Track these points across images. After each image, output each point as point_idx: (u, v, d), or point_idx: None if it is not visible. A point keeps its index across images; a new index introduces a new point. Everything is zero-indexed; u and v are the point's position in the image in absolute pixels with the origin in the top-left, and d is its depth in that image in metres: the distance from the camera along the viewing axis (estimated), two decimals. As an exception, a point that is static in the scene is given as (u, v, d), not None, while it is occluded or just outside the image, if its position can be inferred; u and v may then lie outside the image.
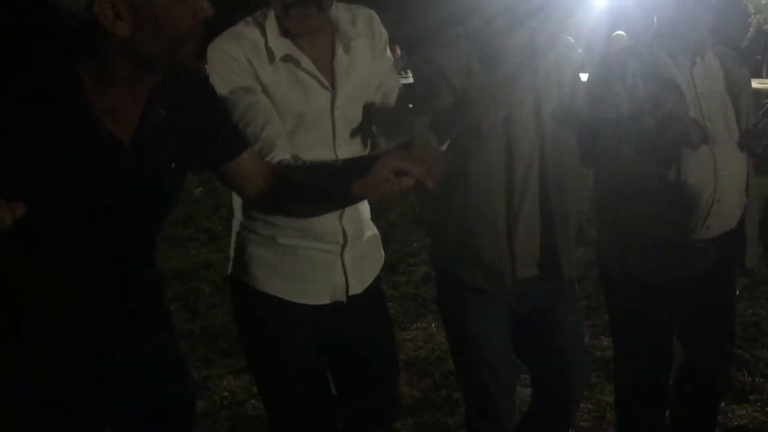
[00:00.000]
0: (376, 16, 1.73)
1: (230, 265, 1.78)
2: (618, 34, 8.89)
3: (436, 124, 1.51)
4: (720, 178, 1.87)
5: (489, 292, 1.86)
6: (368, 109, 1.73)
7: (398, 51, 9.56)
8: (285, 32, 1.58)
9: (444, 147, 1.49)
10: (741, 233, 1.97)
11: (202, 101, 1.38)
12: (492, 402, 1.94)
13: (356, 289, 1.76)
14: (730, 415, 2.67)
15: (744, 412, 2.70)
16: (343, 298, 1.74)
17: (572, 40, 1.92)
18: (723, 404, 2.60)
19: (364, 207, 1.79)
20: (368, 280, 1.80)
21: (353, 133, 1.71)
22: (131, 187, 1.27)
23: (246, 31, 1.59)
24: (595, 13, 9.17)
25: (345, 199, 1.51)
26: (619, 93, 1.84)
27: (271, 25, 1.58)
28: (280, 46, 1.58)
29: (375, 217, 1.87)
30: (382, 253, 1.89)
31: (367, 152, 1.76)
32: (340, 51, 1.64)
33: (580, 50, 1.91)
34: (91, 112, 1.19)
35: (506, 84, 1.71)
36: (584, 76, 1.96)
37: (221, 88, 1.50)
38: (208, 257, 4.71)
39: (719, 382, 2.18)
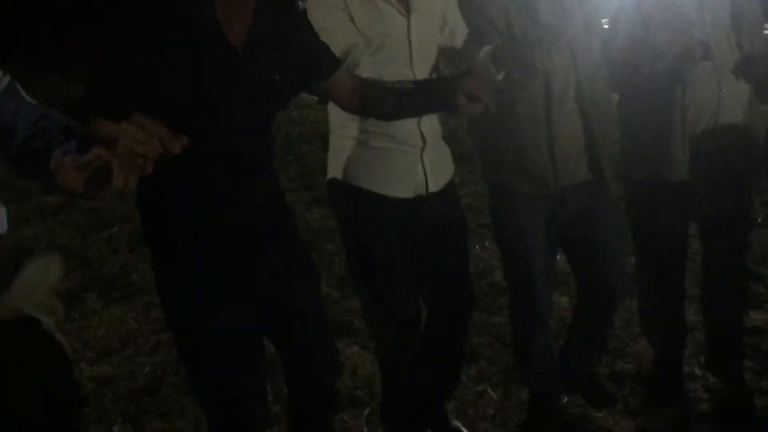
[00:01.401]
0: None
1: (329, 169, 2.12)
2: None
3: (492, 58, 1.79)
4: (723, 96, 2.15)
5: (535, 198, 2.16)
6: (437, 42, 2.07)
7: None
8: None
9: (500, 77, 1.76)
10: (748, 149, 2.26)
11: (300, 22, 1.67)
12: (532, 293, 2.28)
13: (434, 186, 2.10)
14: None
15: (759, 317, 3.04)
16: (424, 192, 2.08)
17: None
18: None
19: (436, 119, 2.13)
20: (443, 180, 2.14)
21: (427, 55, 2.05)
22: (244, 92, 1.48)
23: None
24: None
25: (425, 111, 1.89)
26: (636, 21, 2.13)
27: None
28: None
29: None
30: (452, 163, 2.24)
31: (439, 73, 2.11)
32: None
33: None
34: (214, 19, 1.42)
35: (543, 30, 2.02)
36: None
37: (315, 13, 1.83)
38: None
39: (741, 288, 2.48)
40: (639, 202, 2.37)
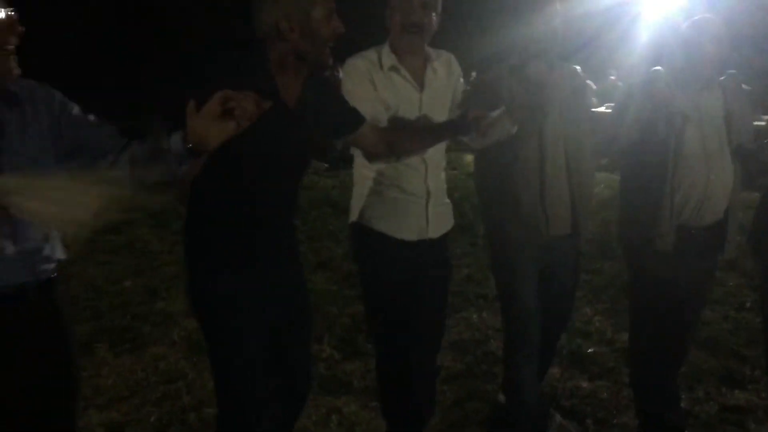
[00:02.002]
0: (453, 57, 2.57)
1: (351, 213, 2.51)
2: (656, 69, 9.60)
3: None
4: (710, 182, 2.49)
5: (528, 244, 2.59)
6: (443, 116, 2.48)
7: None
8: (394, 52, 2.40)
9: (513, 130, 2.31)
10: (725, 230, 2.58)
11: (335, 91, 2.24)
12: (526, 323, 2.64)
13: (433, 233, 2.48)
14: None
15: (743, 396, 3.17)
16: (425, 237, 2.46)
17: (581, 73, 2.68)
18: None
19: (442, 179, 2.55)
20: (441, 230, 2.53)
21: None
22: (291, 139, 2.01)
23: (368, 53, 2.43)
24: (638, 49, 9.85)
25: (440, 137, 2.38)
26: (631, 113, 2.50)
27: (386, 49, 2.41)
28: (389, 60, 2.39)
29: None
30: (452, 218, 2.62)
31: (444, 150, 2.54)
32: (429, 69, 2.44)
33: (589, 81, 2.69)
34: (274, 86, 1.95)
35: (538, 101, 2.40)
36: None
37: (349, 84, 2.37)
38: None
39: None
40: (632, 262, 2.75)
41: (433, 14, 2.36)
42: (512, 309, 2.69)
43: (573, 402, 3.13)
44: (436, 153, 2.47)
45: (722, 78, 2.57)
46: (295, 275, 2.23)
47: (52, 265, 1.91)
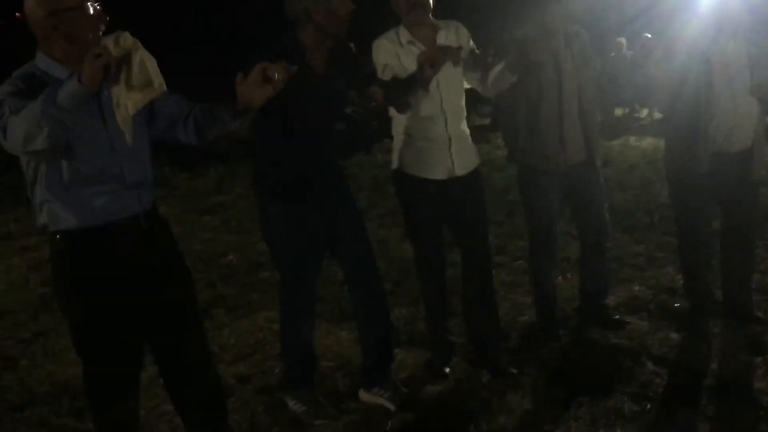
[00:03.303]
0: (460, 24, 3.09)
1: (392, 162, 3.13)
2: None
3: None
4: (737, 115, 3.13)
5: (550, 172, 3.26)
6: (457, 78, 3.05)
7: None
8: (407, 28, 2.97)
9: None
10: (752, 155, 3.21)
11: (355, 57, 2.84)
12: (548, 235, 3.40)
13: (460, 171, 3.06)
14: None
15: None
16: (453, 175, 3.05)
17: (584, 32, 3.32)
18: None
19: (463, 127, 3.09)
20: (467, 167, 3.10)
21: (451, 85, 2.99)
22: (321, 98, 2.66)
23: (388, 33, 3.02)
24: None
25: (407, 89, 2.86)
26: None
27: (401, 29, 3.00)
28: (405, 36, 2.97)
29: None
30: (477, 156, 3.20)
31: (462, 102, 3.11)
32: (439, 36, 2.97)
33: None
34: (306, 59, 2.62)
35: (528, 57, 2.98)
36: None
37: (379, 58, 2.95)
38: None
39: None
40: (674, 187, 3.44)
41: None
42: (531, 220, 3.45)
43: (663, 351, 3.32)
44: (455, 105, 3.01)
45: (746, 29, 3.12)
46: (343, 200, 2.88)
47: (151, 194, 2.25)
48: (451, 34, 3.00)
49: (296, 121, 2.64)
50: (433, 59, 2.56)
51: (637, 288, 4.11)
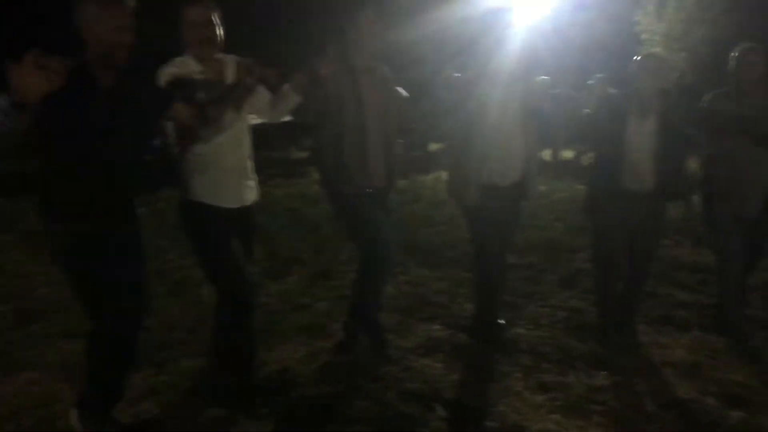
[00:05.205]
0: (234, 57, 3.08)
1: (181, 193, 3.11)
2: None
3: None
4: (510, 150, 3.70)
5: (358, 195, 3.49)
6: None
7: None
8: (198, 61, 2.99)
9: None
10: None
11: (151, 77, 2.83)
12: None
13: (246, 202, 3.20)
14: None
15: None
16: (241, 205, 3.19)
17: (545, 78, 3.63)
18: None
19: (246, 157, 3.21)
20: (252, 199, 3.23)
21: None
22: (107, 112, 2.55)
23: (181, 58, 3.00)
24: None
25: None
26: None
27: (193, 58, 2.98)
28: (197, 67, 2.97)
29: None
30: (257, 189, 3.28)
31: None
32: (228, 72, 3.04)
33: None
34: (91, 72, 2.52)
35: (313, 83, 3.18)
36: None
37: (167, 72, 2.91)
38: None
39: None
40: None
41: (217, 29, 2.96)
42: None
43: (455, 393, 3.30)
44: (243, 139, 3.10)
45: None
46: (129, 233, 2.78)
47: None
48: (241, 71, 3.00)
49: (79, 137, 2.50)
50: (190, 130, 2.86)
51: (437, 327, 4.11)
